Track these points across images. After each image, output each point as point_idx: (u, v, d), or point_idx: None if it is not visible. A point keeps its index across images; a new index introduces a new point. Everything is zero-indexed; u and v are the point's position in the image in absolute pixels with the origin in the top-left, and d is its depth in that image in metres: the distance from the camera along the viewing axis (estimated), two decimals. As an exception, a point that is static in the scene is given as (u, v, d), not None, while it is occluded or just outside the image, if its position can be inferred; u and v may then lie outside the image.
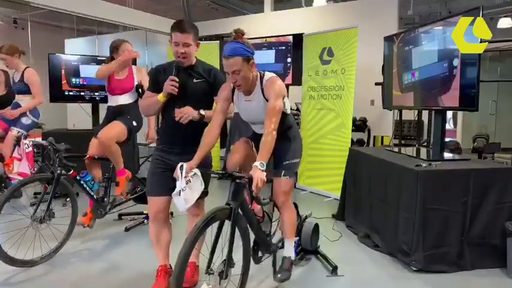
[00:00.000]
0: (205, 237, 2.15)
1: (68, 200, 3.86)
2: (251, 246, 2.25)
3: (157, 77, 2.35)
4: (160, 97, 2.28)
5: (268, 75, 2.35)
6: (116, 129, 3.28)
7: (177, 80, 2.24)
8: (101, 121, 3.80)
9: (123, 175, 3.42)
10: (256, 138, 2.48)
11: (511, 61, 7.92)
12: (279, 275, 2.45)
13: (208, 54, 6.05)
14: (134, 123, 3.40)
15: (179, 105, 2.28)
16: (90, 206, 3.29)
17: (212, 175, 2.42)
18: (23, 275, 2.65)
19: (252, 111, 2.39)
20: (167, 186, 2.29)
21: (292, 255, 2.56)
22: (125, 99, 3.43)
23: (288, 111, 2.49)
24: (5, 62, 4.20)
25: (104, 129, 3.25)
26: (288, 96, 2.47)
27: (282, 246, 2.71)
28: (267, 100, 2.27)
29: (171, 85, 2.22)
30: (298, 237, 2.87)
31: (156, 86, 2.33)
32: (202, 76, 2.33)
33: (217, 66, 6.35)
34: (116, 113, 3.42)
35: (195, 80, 2.31)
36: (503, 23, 8.16)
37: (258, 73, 2.36)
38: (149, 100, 2.36)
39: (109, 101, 3.50)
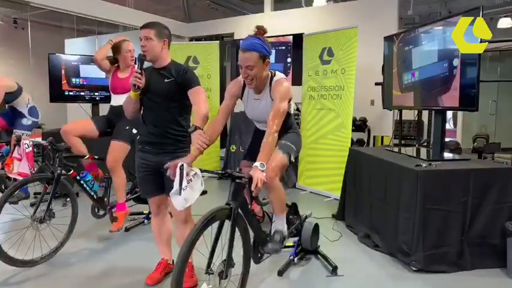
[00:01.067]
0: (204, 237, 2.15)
1: (68, 200, 3.86)
2: (251, 246, 2.25)
3: None
4: (131, 93, 2.30)
5: (278, 75, 2.36)
6: (118, 151, 3.24)
7: (139, 71, 2.26)
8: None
9: (122, 210, 3.31)
10: (258, 135, 2.49)
11: (511, 61, 7.92)
12: (269, 245, 2.39)
13: (208, 54, 6.06)
14: (134, 131, 3.34)
15: (153, 105, 2.33)
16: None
17: (212, 175, 2.43)
18: (23, 275, 2.65)
19: (259, 110, 2.40)
20: (155, 187, 2.41)
21: (284, 229, 2.51)
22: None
23: (291, 112, 2.50)
24: None
25: (109, 155, 3.21)
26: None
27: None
28: (272, 100, 2.28)
29: (135, 77, 2.24)
30: (298, 237, 2.87)
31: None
32: (173, 76, 2.33)
33: (217, 66, 6.39)
34: (117, 114, 3.39)
35: (166, 80, 2.32)
36: (503, 23, 8.15)
37: (270, 72, 2.37)
38: (126, 100, 2.40)
39: (112, 100, 3.50)
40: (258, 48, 2.19)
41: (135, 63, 3.58)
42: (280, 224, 2.51)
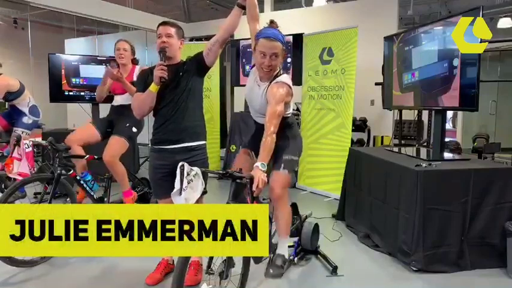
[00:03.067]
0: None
1: (68, 200, 3.85)
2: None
3: (145, 78, 2.38)
4: (152, 87, 2.28)
5: (282, 78, 2.35)
6: (117, 147, 3.24)
7: (164, 64, 2.28)
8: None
9: (129, 196, 3.35)
10: (258, 129, 2.50)
11: (511, 61, 7.93)
12: (270, 271, 2.37)
13: (208, 54, 6.05)
14: (134, 130, 3.34)
15: (170, 99, 2.33)
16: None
17: (212, 175, 2.43)
18: (23, 275, 2.65)
19: (254, 95, 2.44)
20: (169, 188, 2.36)
21: (286, 254, 2.49)
22: (125, 99, 3.42)
23: (289, 114, 2.50)
24: None
25: (106, 150, 3.21)
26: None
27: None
28: (265, 96, 2.29)
29: (160, 69, 2.24)
30: (298, 237, 2.87)
31: (144, 85, 2.34)
32: (185, 67, 2.38)
33: (217, 66, 6.38)
34: (118, 113, 3.41)
35: (181, 73, 2.35)
36: (503, 23, 8.16)
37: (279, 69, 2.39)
38: (141, 95, 2.36)
39: (114, 99, 3.53)
40: (282, 40, 2.24)
41: (136, 64, 3.61)
42: (282, 248, 2.47)
